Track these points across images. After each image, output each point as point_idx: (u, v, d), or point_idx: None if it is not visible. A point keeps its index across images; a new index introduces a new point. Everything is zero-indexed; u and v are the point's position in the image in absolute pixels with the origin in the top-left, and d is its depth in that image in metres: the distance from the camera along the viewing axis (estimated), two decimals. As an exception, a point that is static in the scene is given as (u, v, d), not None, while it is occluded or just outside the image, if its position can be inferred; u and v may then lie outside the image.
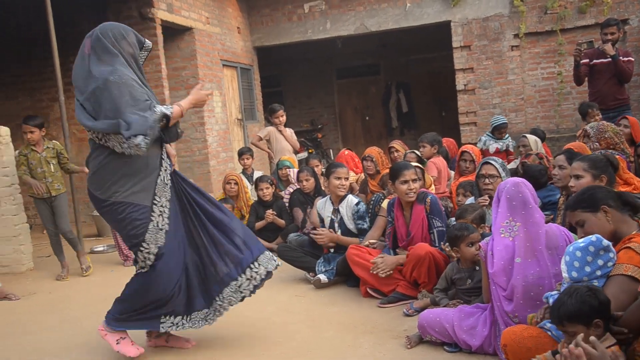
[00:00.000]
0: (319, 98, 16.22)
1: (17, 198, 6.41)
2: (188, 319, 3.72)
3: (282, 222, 6.64)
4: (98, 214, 8.42)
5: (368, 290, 4.66)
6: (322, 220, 5.41)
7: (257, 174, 7.64)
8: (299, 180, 6.44)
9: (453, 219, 4.74)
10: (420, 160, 6.38)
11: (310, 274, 5.25)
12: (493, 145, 7.61)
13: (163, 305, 3.64)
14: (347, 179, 5.30)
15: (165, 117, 3.47)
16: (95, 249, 7.51)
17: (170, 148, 3.91)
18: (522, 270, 3.08)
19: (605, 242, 2.71)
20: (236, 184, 6.96)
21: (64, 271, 6.25)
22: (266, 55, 13.27)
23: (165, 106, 3.51)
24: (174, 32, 9.90)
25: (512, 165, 6.39)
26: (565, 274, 2.76)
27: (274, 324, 4.26)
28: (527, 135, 6.63)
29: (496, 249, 3.18)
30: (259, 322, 4.31)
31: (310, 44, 13.03)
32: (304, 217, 6.45)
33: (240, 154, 8.03)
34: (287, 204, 6.81)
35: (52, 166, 6.12)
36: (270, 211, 6.63)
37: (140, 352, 3.71)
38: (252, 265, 3.72)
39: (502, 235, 3.17)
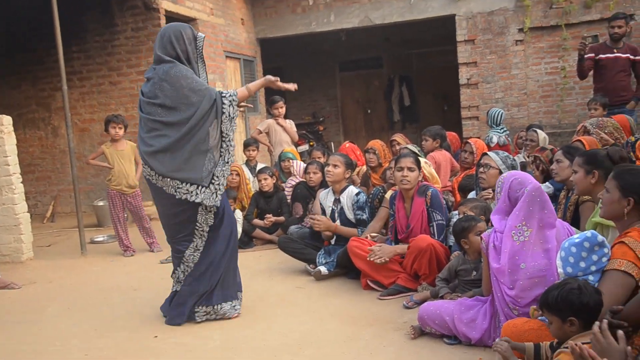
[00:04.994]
0: (322, 91, 16.17)
1: (18, 187, 6.39)
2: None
3: (281, 219, 6.63)
4: (99, 204, 8.54)
5: (368, 282, 4.66)
6: (323, 211, 5.41)
7: (260, 166, 7.63)
8: (306, 172, 6.41)
9: (455, 212, 4.74)
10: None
11: (311, 265, 5.26)
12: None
13: None
14: (336, 166, 5.22)
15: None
16: (96, 239, 7.51)
17: None
18: (526, 275, 3.08)
19: (600, 237, 2.72)
20: (237, 175, 6.95)
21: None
22: (269, 47, 13.22)
23: (229, 94, 3.99)
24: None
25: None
26: (560, 270, 2.77)
27: (276, 315, 4.26)
28: (538, 131, 6.54)
29: (504, 250, 3.16)
30: (260, 313, 4.31)
31: (314, 37, 12.99)
32: (305, 212, 6.43)
33: (246, 145, 8.00)
34: (288, 196, 6.81)
35: None
36: (268, 216, 6.61)
37: None
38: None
39: (513, 239, 3.14)
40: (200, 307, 4.14)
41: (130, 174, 6.57)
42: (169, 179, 3.92)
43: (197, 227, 4.06)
